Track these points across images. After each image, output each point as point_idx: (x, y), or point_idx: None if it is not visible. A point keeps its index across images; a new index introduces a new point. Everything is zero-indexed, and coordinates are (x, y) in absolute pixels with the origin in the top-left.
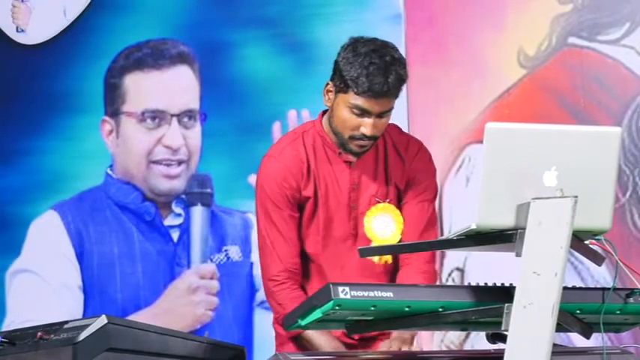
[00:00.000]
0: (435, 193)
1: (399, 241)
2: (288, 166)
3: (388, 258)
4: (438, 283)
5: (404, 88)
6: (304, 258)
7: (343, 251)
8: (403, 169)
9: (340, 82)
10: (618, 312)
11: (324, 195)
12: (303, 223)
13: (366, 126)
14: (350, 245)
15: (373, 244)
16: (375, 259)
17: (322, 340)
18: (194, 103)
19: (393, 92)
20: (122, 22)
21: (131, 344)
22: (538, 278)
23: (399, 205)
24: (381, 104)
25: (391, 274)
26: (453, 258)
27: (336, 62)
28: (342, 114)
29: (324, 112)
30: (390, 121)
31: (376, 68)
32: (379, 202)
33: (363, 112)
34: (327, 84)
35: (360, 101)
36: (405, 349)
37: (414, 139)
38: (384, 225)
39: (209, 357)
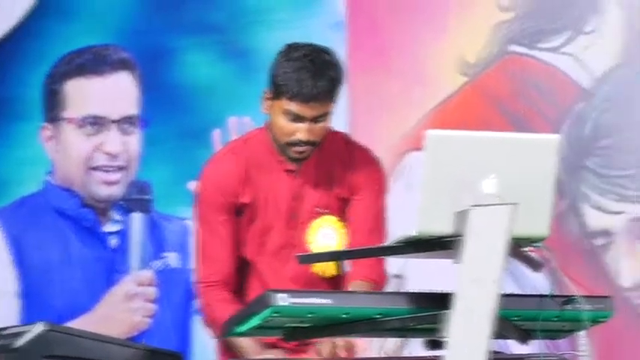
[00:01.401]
0: (382, 199)
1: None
2: (227, 171)
3: (332, 271)
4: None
5: (344, 93)
6: (244, 263)
7: (281, 260)
8: (346, 177)
9: (274, 88)
10: (556, 319)
11: (263, 203)
12: (242, 230)
13: (301, 131)
14: (287, 254)
15: None
16: (319, 271)
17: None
18: (134, 110)
19: (324, 96)
20: (64, 28)
21: (69, 351)
22: (476, 285)
23: (341, 216)
24: (313, 108)
25: (333, 285)
26: (392, 265)
27: (271, 68)
28: (278, 121)
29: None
30: (334, 132)
31: (306, 72)
32: (320, 213)
33: (297, 118)
34: (265, 92)
35: (292, 106)
36: (343, 354)
37: (361, 148)
38: (326, 237)
39: None
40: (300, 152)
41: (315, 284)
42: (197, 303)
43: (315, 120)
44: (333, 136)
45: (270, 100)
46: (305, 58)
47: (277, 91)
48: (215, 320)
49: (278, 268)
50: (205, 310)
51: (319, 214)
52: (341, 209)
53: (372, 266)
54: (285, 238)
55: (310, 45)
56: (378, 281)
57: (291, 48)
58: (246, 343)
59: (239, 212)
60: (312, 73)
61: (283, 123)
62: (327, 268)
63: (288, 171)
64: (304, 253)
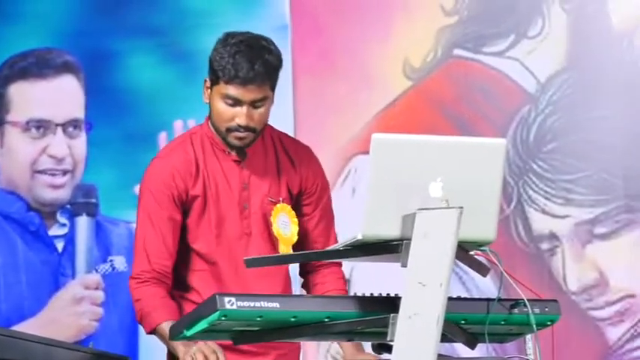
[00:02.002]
0: (329, 192)
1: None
2: (175, 165)
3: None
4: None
5: (289, 96)
6: (196, 263)
7: (238, 250)
8: (295, 173)
9: (212, 74)
10: (503, 322)
11: (214, 194)
12: (192, 225)
13: (240, 116)
14: (244, 244)
15: (281, 244)
16: None
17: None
18: (79, 113)
19: (261, 79)
20: (6, 31)
21: (15, 354)
22: (423, 289)
23: (293, 204)
24: (250, 91)
25: (286, 271)
26: None
27: (209, 57)
28: (217, 106)
29: (209, 116)
30: (277, 130)
31: (242, 55)
32: (272, 202)
33: (235, 102)
34: (205, 80)
35: (229, 90)
36: None
37: (303, 144)
38: (284, 225)
39: None
40: (240, 138)
41: (271, 272)
42: (131, 298)
43: (253, 105)
44: (273, 130)
45: (209, 88)
46: (242, 44)
47: (215, 77)
48: (144, 316)
49: (235, 258)
50: (135, 305)
51: (271, 204)
52: (290, 200)
53: (342, 278)
54: (239, 227)
55: (248, 33)
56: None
57: (229, 35)
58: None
59: (187, 208)
60: (248, 57)
61: (222, 108)
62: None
63: (235, 162)
64: (251, 257)
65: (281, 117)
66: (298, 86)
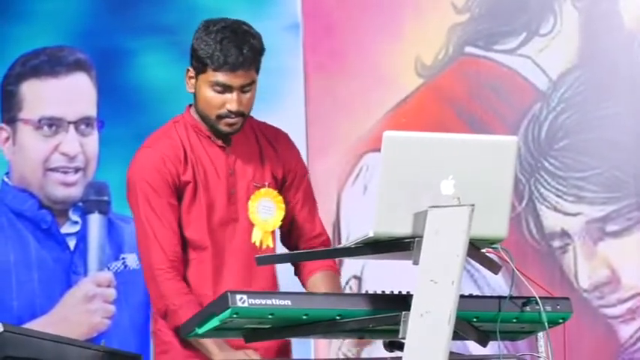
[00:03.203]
0: (308, 177)
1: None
2: (165, 152)
3: (270, 243)
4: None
5: (301, 94)
6: (184, 247)
7: (226, 236)
8: (277, 158)
9: (197, 62)
10: (514, 320)
11: (203, 180)
12: (184, 210)
13: (230, 102)
14: (232, 230)
15: (255, 229)
16: (256, 241)
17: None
18: (91, 111)
19: (249, 63)
20: (19, 29)
21: (27, 352)
22: (435, 286)
23: (278, 190)
24: (240, 76)
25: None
26: (351, 266)
27: (191, 46)
28: (205, 94)
29: (190, 105)
30: (288, 130)
31: (229, 41)
32: (257, 187)
33: (225, 88)
34: (188, 70)
35: (219, 77)
36: None
37: (281, 130)
38: (265, 209)
39: None
40: (231, 124)
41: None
42: (150, 291)
43: (242, 89)
44: (250, 118)
45: (194, 78)
46: (225, 30)
47: (202, 65)
48: (169, 313)
49: (223, 243)
50: (159, 300)
51: (256, 189)
52: (275, 185)
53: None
54: (227, 213)
55: (227, 18)
56: (336, 268)
57: (209, 23)
58: (210, 343)
59: (180, 194)
60: (235, 42)
61: (211, 96)
62: (264, 240)
63: (220, 148)
64: (262, 255)
65: (293, 115)
66: (310, 85)
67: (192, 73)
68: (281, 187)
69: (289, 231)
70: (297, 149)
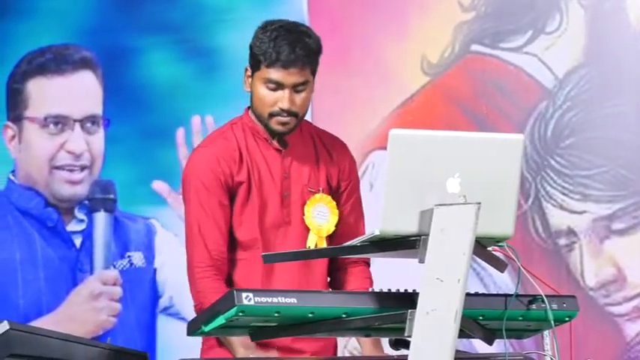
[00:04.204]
0: (359, 189)
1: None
2: (220, 152)
3: (323, 243)
4: None
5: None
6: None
7: (277, 238)
8: (333, 165)
9: (253, 60)
10: (521, 318)
11: (257, 181)
12: (237, 210)
13: (282, 100)
14: (284, 232)
15: (311, 234)
16: (311, 246)
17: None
18: (97, 109)
19: (302, 62)
20: (24, 27)
21: (33, 350)
22: (441, 284)
23: (332, 196)
24: (292, 74)
25: (326, 262)
26: None
27: (250, 45)
28: (259, 92)
29: (248, 107)
30: (312, 125)
31: (283, 39)
32: (312, 192)
33: (277, 86)
34: (246, 69)
35: (271, 74)
36: None
37: (340, 139)
38: (320, 215)
39: None
40: (283, 123)
41: (311, 262)
42: (190, 287)
43: (295, 88)
44: (310, 124)
45: (250, 77)
46: (281, 29)
47: (256, 62)
48: (203, 310)
49: (275, 245)
50: (197, 297)
51: (310, 193)
52: (329, 191)
53: (369, 277)
54: (280, 216)
55: (287, 20)
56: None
57: (268, 23)
58: (235, 340)
59: (233, 194)
60: (289, 41)
61: (264, 93)
62: (319, 245)
63: (276, 150)
64: (269, 253)
65: None
66: (316, 82)
67: (249, 71)
68: (334, 193)
69: (331, 238)
70: (353, 159)
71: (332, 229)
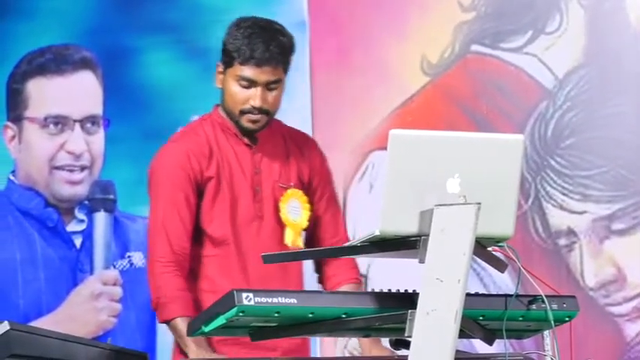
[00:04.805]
0: (333, 182)
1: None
2: (190, 147)
3: (300, 243)
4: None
5: (307, 92)
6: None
7: (250, 233)
8: (304, 161)
9: (226, 57)
10: (521, 319)
11: (227, 176)
12: (207, 206)
13: (255, 98)
14: (256, 227)
15: (288, 230)
16: (289, 242)
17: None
18: (97, 109)
19: (276, 60)
20: (24, 27)
21: (33, 351)
22: (441, 285)
23: (304, 192)
24: (266, 72)
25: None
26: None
27: (222, 42)
28: (231, 89)
29: (218, 105)
30: (295, 127)
31: (257, 37)
32: (283, 187)
33: (250, 83)
34: (217, 65)
35: (244, 71)
36: None
37: (308, 135)
38: (294, 210)
39: None
40: (254, 121)
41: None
42: (149, 280)
43: (267, 86)
44: (279, 122)
45: (222, 73)
46: (255, 26)
47: (229, 59)
48: (160, 305)
49: (248, 241)
50: (157, 292)
51: (281, 189)
52: (301, 187)
53: (355, 267)
54: (252, 211)
55: (260, 17)
56: (361, 279)
57: (241, 20)
58: (189, 341)
59: (202, 190)
60: (263, 38)
61: (237, 90)
62: (296, 241)
63: (246, 146)
64: (268, 253)
65: (299, 113)
66: (316, 82)
67: (220, 68)
68: (307, 190)
69: (312, 234)
70: (324, 155)
71: (305, 224)
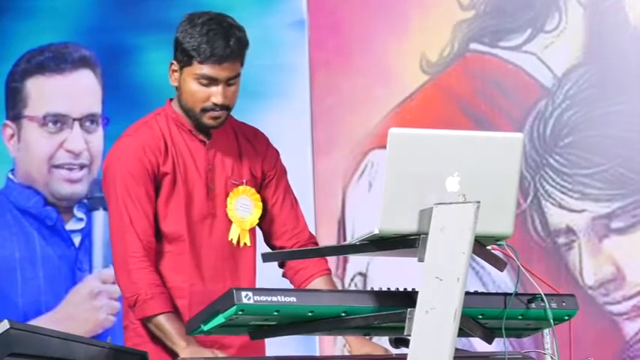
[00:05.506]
0: (287, 175)
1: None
2: (146, 141)
3: (247, 241)
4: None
5: (307, 91)
6: (160, 245)
7: (204, 230)
8: (256, 155)
9: (183, 56)
10: (520, 317)
11: (182, 172)
12: (162, 202)
13: (216, 95)
14: (210, 225)
15: (233, 227)
16: (233, 239)
17: (173, 328)
18: (96, 107)
19: (236, 55)
20: (23, 26)
21: (33, 349)
22: (440, 283)
23: (256, 188)
24: (226, 69)
25: (246, 253)
26: (356, 263)
27: (175, 39)
28: (191, 87)
29: (171, 99)
30: (293, 127)
31: (215, 34)
32: (235, 184)
33: (211, 81)
34: (172, 63)
35: (205, 69)
36: None
37: (259, 130)
38: (243, 207)
39: None
40: (216, 118)
41: (235, 255)
42: (121, 277)
43: (227, 83)
44: (230, 116)
45: (178, 71)
46: (211, 22)
47: (187, 58)
48: (139, 302)
49: (201, 238)
50: (133, 287)
51: (234, 186)
52: (254, 183)
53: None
54: (206, 208)
55: (210, 12)
56: (330, 270)
57: (193, 16)
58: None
59: (158, 185)
60: (221, 35)
61: (196, 88)
62: (242, 238)
63: (200, 142)
64: (267, 252)
65: (298, 112)
66: (315, 81)
67: (176, 66)
68: (260, 185)
69: (271, 229)
70: (276, 149)
71: (255, 221)
